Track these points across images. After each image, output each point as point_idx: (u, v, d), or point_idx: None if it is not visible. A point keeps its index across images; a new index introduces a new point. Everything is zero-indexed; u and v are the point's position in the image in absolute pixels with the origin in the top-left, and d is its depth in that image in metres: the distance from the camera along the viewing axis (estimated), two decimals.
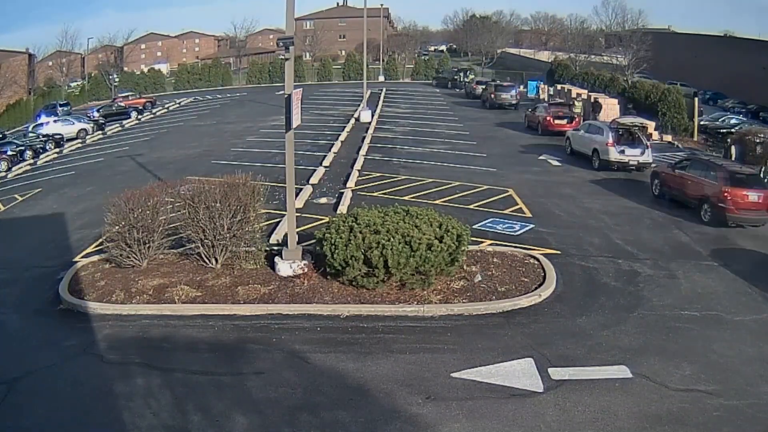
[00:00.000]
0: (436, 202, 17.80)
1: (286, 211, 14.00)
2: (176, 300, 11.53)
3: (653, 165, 21.74)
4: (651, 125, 27.10)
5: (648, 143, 23.16)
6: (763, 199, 16.60)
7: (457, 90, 52.77)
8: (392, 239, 11.23)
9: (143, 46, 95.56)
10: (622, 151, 22.48)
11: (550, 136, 29.33)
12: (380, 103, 43.54)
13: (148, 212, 13.10)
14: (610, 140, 22.61)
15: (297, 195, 16.04)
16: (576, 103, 34.16)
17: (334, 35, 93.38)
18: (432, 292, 11.53)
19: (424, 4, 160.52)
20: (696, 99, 32.67)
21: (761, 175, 19.19)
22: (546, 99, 41.53)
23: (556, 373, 8.98)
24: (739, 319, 10.81)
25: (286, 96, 12.44)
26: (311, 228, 14.76)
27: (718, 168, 17.57)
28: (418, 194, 18.89)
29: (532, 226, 15.90)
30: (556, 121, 30.06)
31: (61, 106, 47.97)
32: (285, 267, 12.44)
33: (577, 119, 30.32)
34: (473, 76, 54.35)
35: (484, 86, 44.95)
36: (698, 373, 8.99)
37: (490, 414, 8.08)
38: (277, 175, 19.08)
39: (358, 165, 23.19)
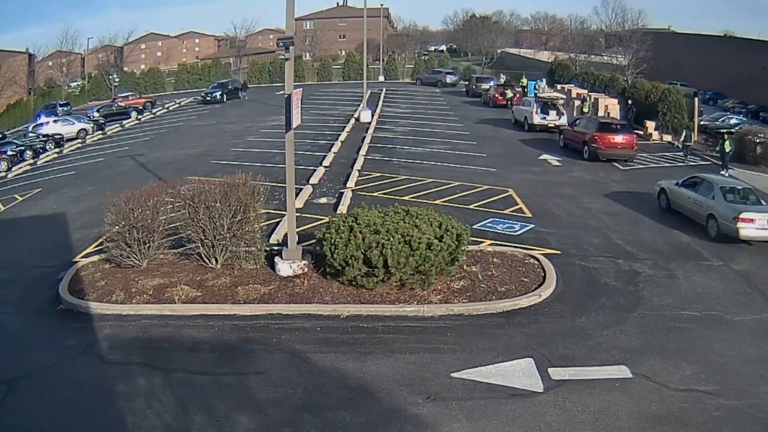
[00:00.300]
0: (436, 202, 17.80)
1: (286, 211, 14.00)
2: (176, 300, 11.54)
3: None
4: (560, 98, 35.17)
5: (564, 111, 32.06)
6: (627, 141, 24.24)
7: None
8: (392, 239, 11.23)
9: (143, 46, 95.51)
10: (544, 117, 31.23)
11: (498, 108, 40.09)
12: (380, 103, 43.52)
13: (148, 212, 13.11)
14: (534, 109, 31.55)
15: (297, 195, 16.04)
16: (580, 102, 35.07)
17: (334, 35, 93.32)
18: (432, 292, 11.53)
19: (424, 4, 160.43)
20: (696, 99, 32.63)
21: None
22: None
23: (556, 373, 8.98)
24: (739, 319, 10.81)
25: (286, 96, 12.44)
26: (311, 228, 14.76)
27: (594, 120, 25.90)
28: (418, 194, 18.89)
29: (532, 226, 15.90)
30: (502, 98, 41.58)
31: (61, 106, 47.98)
32: (285, 267, 12.44)
33: (516, 96, 40.12)
34: None
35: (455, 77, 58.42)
36: (698, 373, 8.99)
37: (490, 414, 8.08)
38: (277, 175, 19.08)
39: (358, 165, 23.19)
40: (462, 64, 75.26)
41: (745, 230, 14.58)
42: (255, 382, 8.94)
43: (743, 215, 14.58)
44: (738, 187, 16.37)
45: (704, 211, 15.83)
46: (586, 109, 33.21)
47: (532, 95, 37.89)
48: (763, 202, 15.83)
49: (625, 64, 49.67)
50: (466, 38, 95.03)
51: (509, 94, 41.23)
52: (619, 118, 32.89)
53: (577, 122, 26.98)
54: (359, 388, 8.72)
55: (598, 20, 74.30)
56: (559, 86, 43.39)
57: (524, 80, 50.89)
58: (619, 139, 24.11)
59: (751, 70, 46.78)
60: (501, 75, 57.49)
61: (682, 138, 25.93)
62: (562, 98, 35.03)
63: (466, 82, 55.29)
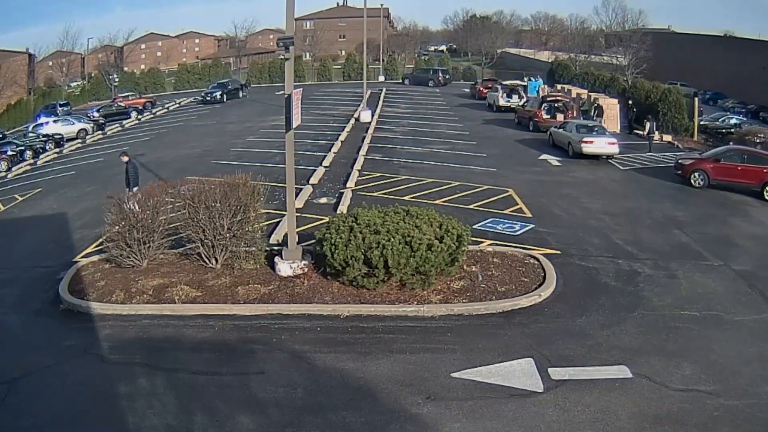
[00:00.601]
0: (436, 202, 17.80)
1: (286, 211, 14.00)
2: (176, 300, 11.54)
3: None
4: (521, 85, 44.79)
5: (524, 95, 39.22)
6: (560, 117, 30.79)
7: None
8: (392, 239, 11.22)
9: (143, 46, 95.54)
10: (508, 100, 39.01)
11: (482, 100, 45.26)
12: (380, 103, 43.51)
13: (148, 212, 13.11)
14: (500, 94, 39.90)
15: (297, 195, 16.04)
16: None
17: (334, 35, 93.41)
18: (432, 292, 11.53)
19: (424, 4, 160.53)
20: (696, 99, 32.66)
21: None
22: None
23: (556, 373, 8.98)
24: (739, 319, 10.80)
25: (286, 96, 12.44)
26: (311, 228, 14.77)
27: (537, 100, 33.38)
28: (418, 194, 18.89)
29: (532, 226, 15.90)
30: (485, 91, 46.46)
31: (61, 106, 47.98)
32: (285, 267, 12.44)
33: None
34: None
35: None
36: (698, 373, 8.99)
37: (490, 414, 8.08)
38: (277, 175, 19.08)
39: (358, 165, 23.18)
40: (462, 64, 75.32)
41: (586, 148, 24.21)
42: (255, 382, 8.94)
43: (585, 139, 24.43)
44: (588, 125, 26.32)
45: (567, 139, 25.55)
46: (593, 113, 32.75)
47: (534, 94, 40.58)
48: (607, 134, 25.52)
49: (625, 64, 49.77)
50: (467, 38, 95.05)
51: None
52: (619, 118, 33.16)
53: (526, 103, 34.92)
54: (359, 388, 8.72)
55: (598, 20, 74.61)
56: (559, 86, 43.53)
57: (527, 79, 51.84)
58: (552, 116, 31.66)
59: (751, 70, 46.86)
60: (535, 78, 58.15)
61: (646, 131, 27.45)
62: (521, 84, 45.42)
63: (472, 83, 58.20)
